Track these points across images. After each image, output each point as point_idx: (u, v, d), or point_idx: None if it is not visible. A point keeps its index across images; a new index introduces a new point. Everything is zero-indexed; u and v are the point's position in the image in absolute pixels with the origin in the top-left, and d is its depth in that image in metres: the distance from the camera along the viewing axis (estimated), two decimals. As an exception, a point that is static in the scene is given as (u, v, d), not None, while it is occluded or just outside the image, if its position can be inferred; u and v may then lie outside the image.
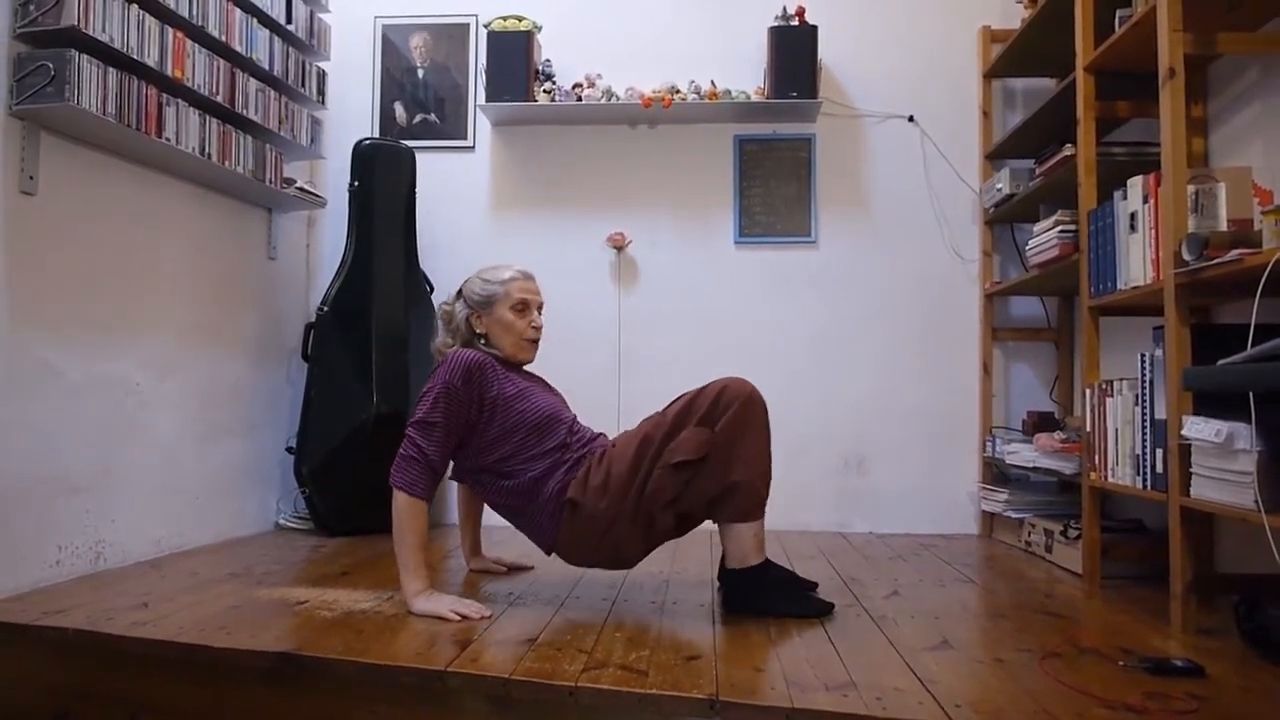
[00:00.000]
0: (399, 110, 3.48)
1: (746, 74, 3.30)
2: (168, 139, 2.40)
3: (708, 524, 2.97)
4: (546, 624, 1.82)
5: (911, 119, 3.31)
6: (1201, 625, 1.84)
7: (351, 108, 3.47)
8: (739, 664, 1.55)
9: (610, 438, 2.14)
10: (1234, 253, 1.66)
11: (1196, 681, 1.48)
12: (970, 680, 1.48)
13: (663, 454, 1.91)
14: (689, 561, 2.56)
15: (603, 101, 3.24)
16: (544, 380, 2.26)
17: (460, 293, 2.19)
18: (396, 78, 3.49)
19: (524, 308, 2.16)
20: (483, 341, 2.16)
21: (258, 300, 3.11)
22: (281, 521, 3.16)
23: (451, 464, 2.07)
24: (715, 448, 1.89)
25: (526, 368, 2.23)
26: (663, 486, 1.90)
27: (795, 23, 3.17)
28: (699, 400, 1.94)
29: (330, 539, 2.91)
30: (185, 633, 1.70)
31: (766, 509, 2.08)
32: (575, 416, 2.16)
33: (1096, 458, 2.28)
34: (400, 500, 1.92)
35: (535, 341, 2.18)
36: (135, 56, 2.28)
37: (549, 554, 2.09)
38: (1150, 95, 2.03)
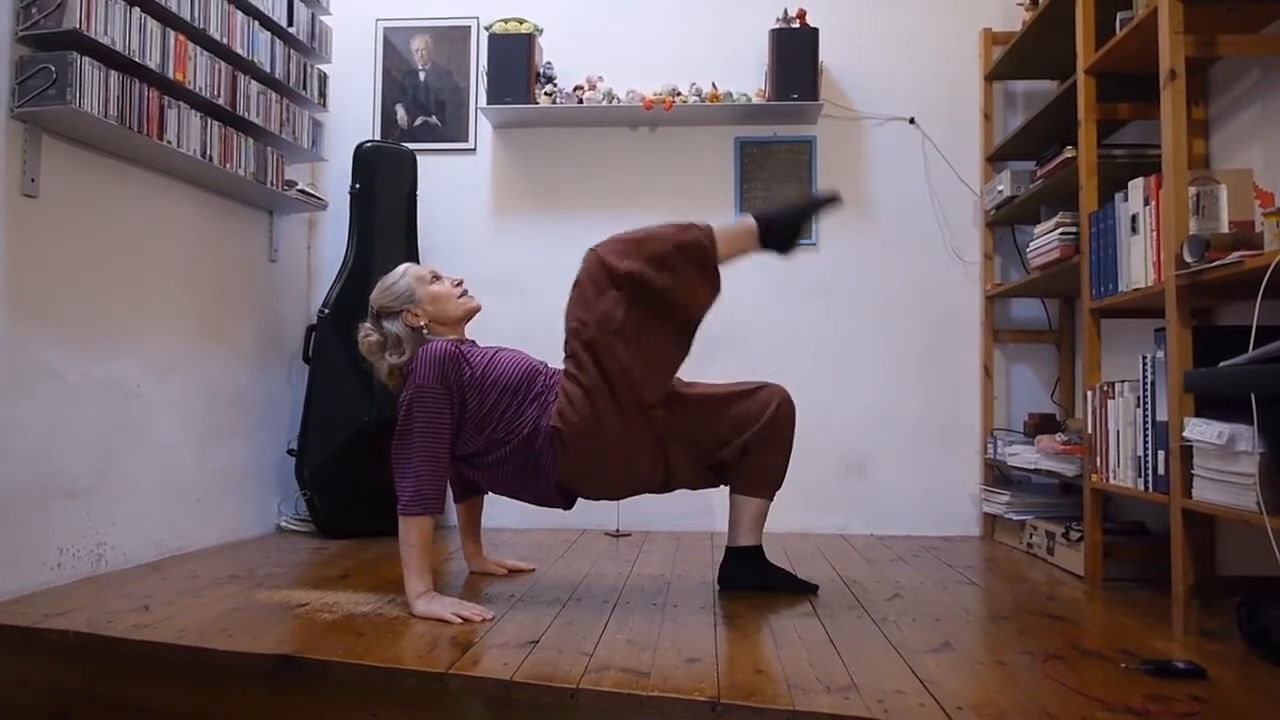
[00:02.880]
0: (400, 112, 3.48)
1: (747, 76, 3.30)
2: (169, 141, 2.40)
3: (706, 527, 2.98)
4: (548, 626, 1.82)
5: (912, 121, 3.31)
6: (1203, 627, 1.84)
7: (353, 110, 3.48)
8: (740, 666, 1.55)
9: None
10: (1235, 255, 1.66)
11: (1198, 684, 1.47)
12: (972, 682, 1.48)
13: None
14: (690, 564, 2.56)
15: (604, 104, 3.25)
16: (500, 346, 2.22)
17: (378, 315, 2.16)
18: (398, 80, 3.49)
19: (436, 277, 2.21)
20: (427, 331, 2.17)
21: (259, 302, 3.12)
22: (282, 524, 3.16)
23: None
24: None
25: (480, 340, 2.27)
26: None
27: (796, 25, 3.17)
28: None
29: (331, 541, 2.91)
30: (186, 635, 1.70)
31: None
32: (548, 366, 2.17)
33: (1098, 460, 2.28)
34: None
35: (466, 291, 2.23)
36: (137, 59, 2.28)
37: (567, 505, 2.13)
38: (1151, 97, 2.03)
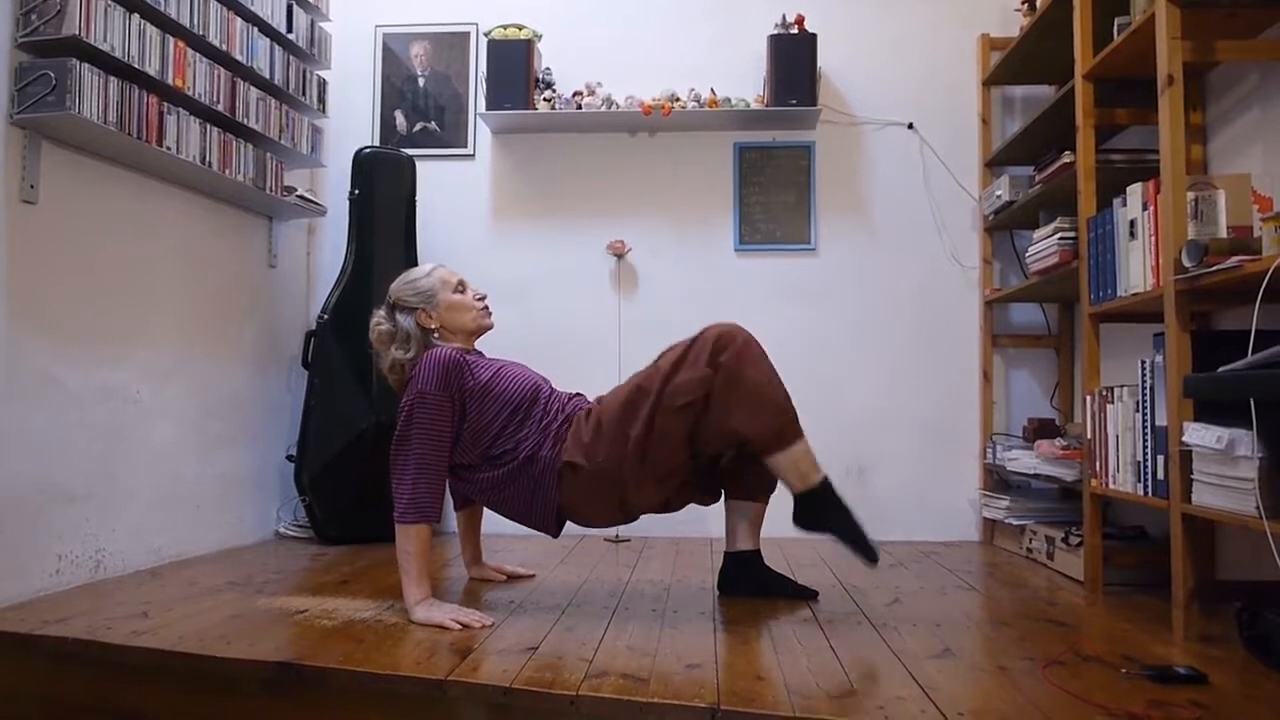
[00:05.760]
0: (399, 118, 3.49)
1: (746, 82, 3.31)
2: (168, 148, 2.40)
3: (706, 533, 2.98)
4: (547, 632, 1.82)
5: (911, 126, 3.31)
6: (1203, 632, 1.83)
7: (352, 116, 3.48)
8: (740, 672, 1.55)
9: (589, 398, 2.19)
10: (1234, 259, 1.66)
11: (1199, 689, 1.47)
12: (972, 688, 1.48)
13: (663, 399, 1.93)
14: (690, 570, 2.56)
15: (603, 109, 3.25)
16: (508, 359, 2.23)
17: (393, 306, 2.17)
18: (397, 86, 3.50)
19: (462, 286, 2.21)
20: (437, 336, 2.17)
21: (258, 308, 3.12)
22: (281, 530, 3.15)
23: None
24: (716, 387, 1.92)
25: (483, 349, 2.27)
26: (670, 429, 1.93)
27: (794, 31, 3.18)
28: (695, 349, 1.97)
29: (330, 547, 2.90)
30: (185, 642, 1.69)
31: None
32: (552, 385, 2.18)
33: (1097, 464, 2.27)
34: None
35: (487, 308, 2.23)
36: (136, 65, 2.28)
37: (557, 533, 2.10)
38: (1149, 102, 2.03)
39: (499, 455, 2.01)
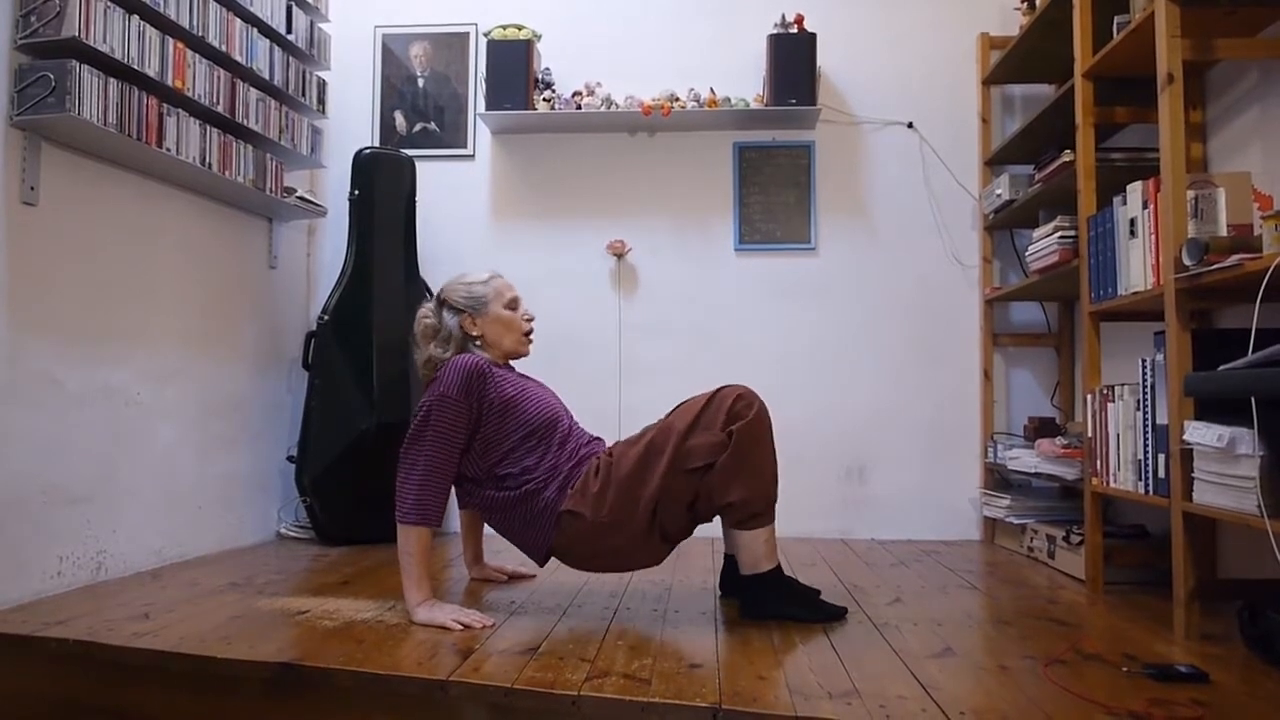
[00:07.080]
0: (399, 119, 3.49)
1: (746, 81, 3.31)
2: (168, 149, 2.40)
3: (707, 533, 2.98)
4: (549, 633, 1.82)
5: (911, 125, 3.31)
6: (1205, 631, 1.83)
7: (352, 117, 3.48)
8: (742, 672, 1.55)
9: (607, 444, 2.15)
10: (1234, 258, 1.66)
11: (1200, 687, 1.47)
12: (974, 687, 1.48)
13: (676, 461, 1.91)
14: (691, 570, 2.56)
15: (602, 109, 3.25)
16: (537, 380, 2.25)
17: (442, 303, 2.18)
18: (396, 86, 3.50)
19: (515, 304, 2.20)
20: (477, 344, 2.16)
21: (258, 309, 3.12)
22: (282, 531, 3.15)
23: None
24: (725, 455, 1.89)
25: (517, 366, 2.26)
26: (680, 491, 1.92)
27: (794, 30, 3.18)
28: (710, 409, 1.95)
29: (331, 548, 2.90)
30: (186, 643, 1.70)
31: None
32: (573, 419, 2.17)
33: (1098, 463, 2.27)
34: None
35: (530, 334, 2.22)
36: (136, 67, 2.28)
37: (542, 564, 2.09)
38: (1149, 101, 2.04)
39: (504, 477, 2.00)
